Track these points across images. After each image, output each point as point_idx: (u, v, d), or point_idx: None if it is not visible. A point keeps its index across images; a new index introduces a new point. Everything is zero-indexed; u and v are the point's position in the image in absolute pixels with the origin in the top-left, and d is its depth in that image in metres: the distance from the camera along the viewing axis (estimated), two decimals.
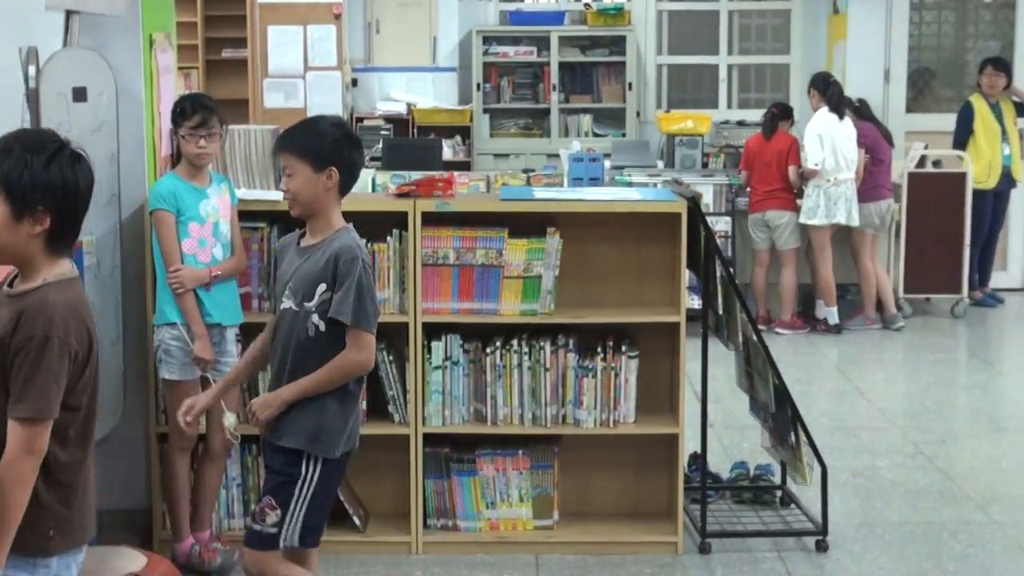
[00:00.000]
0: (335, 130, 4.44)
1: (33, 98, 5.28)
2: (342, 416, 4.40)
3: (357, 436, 4.53)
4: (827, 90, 10.45)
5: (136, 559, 4.62)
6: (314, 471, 4.36)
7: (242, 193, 5.97)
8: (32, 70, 5.26)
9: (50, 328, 3.23)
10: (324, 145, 4.38)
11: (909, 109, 12.58)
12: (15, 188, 3.24)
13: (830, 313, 10.45)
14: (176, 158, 5.82)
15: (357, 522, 5.90)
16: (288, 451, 4.38)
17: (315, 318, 4.33)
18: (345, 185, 4.43)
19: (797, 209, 10.38)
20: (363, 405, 4.67)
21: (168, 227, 5.52)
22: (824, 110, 10.37)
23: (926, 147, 11.16)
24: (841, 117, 10.34)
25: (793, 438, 5.98)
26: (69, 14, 5.47)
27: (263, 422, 4.39)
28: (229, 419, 5.38)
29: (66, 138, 3.41)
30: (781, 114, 10.61)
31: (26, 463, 3.22)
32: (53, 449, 3.30)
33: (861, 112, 10.72)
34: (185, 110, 5.60)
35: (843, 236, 10.56)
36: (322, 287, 4.32)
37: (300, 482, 4.35)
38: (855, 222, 10.32)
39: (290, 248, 4.53)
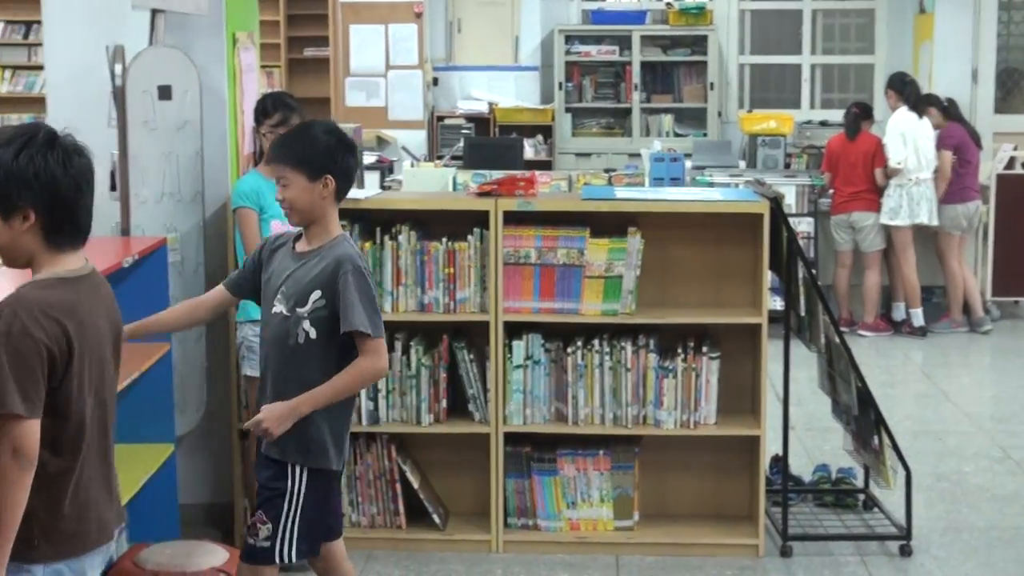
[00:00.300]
0: (328, 137, 4.34)
1: (119, 96, 5.34)
2: (329, 429, 4.30)
3: (346, 454, 4.48)
4: (904, 89, 10.37)
5: (218, 554, 4.63)
6: (300, 483, 4.28)
7: None
8: (118, 68, 5.31)
9: (11, 323, 3.10)
10: (317, 153, 4.29)
11: (997, 110, 12.42)
12: None
13: (915, 315, 10.33)
14: (258, 156, 5.86)
15: (437, 520, 5.90)
16: (274, 464, 4.31)
17: (306, 324, 4.24)
18: (341, 191, 4.35)
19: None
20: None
21: (251, 224, 5.55)
22: (903, 109, 10.27)
23: (1015, 148, 11.00)
24: (920, 116, 10.24)
25: (876, 441, 5.92)
26: (155, 13, 5.52)
27: (275, 437, 4.23)
28: None
29: (63, 131, 3.30)
30: (863, 114, 10.50)
31: (3, 460, 3.09)
32: (43, 460, 3.17)
33: (949, 112, 10.59)
34: (267, 108, 5.63)
35: (927, 238, 10.44)
36: (316, 294, 4.23)
37: (288, 496, 4.28)
38: (935, 222, 10.21)
39: (283, 250, 4.41)
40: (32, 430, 3.12)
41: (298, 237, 4.41)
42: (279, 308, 4.28)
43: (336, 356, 4.24)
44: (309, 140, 4.33)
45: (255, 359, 5.56)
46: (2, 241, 3.26)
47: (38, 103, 13.04)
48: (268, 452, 4.34)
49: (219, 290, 4.57)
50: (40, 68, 13.55)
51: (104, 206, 5.54)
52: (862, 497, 6.42)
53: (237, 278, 4.54)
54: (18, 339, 3.10)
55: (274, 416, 4.21)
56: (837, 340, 5.92)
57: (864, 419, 5.99)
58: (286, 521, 4.28)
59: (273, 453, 4.32)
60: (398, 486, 5.88)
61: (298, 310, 4.23)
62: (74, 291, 3.25)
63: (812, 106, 13.90)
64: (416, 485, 5.87)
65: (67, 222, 3.26)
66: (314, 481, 4.31)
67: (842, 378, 6.03)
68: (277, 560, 4.32)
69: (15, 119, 14.36)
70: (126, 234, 5.40)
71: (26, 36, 14.86)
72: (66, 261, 3.28)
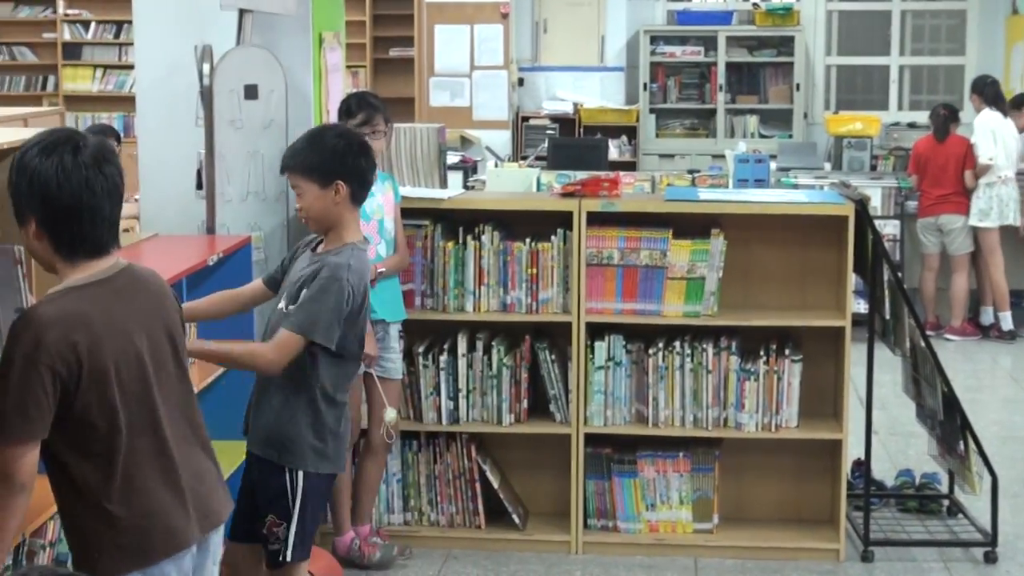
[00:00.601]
0: (337, 141, 4.33)
1: (206, 95, 5.40)
2: (313, 432, 4.28)
3: (344, 460, 4.47)
4: (985, 91, 10.30)
5: None
6: (296, 483, 4.28)
7: (407, 191, 6.02)
8: (206, 68, 5.37)
9: (14, 346, 3.04)
10: (326, 160, 4.28)
11: None
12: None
13: (1004, 319, 10.20)
14: None
15: (516, 520, 5.91)
16: (265, 463, 4.32)
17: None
18: (356, 195, 4.33)
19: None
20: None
21: None
22: (988, 109, 10.18)
23: None
24: (1005, 115, 10.17)
25: (962, 446, 5.85)
26: (243, 13, 5.57)
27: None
28: (390, 414, 5.44)
29: (83, 135, 3.19)
30: (951, 115, 10.40)
31: None
32: (81, 470, 3.14)
33: None
34: (351, 108, 5.66)
35: (1015, 240, 10.29)
36: (304, 292, 4.24)
37: (291, 495, 4.28)
38: (1018, 222, 10.10)
39: (306, 252, 4.45)
40: (24, 452, 3.05)
41: (321, 240, 4.44)
42: (280, 304, 4.33)
43: (303, 357, 4.20)
44: (318, 147, 4.33)
45: None
46: (27, 249, 3.27)
47: (128, 102, 13.21)
48: (253, 448, 4.38)
49: (257, 283, 4.64)
50: (130, 67, 13.73)
51: (190, 205, 5.64)
52: (946, 503, 6.36)
53: (273, 273, 4.60)
54: (20, 364, 3.03)
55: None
56: (923, 344, 5.86)
57: (949, 424, 5.93)
58: (296, 520, 4.29)
59: (256, 449, 4.35)
60: (478, 486, 5.90)
61: (290, 307, 4.26)
62: (89, 299, 3.15)
63: (900, 108, 13.76)
64: (496, 485, 5.88)
65: (69, 231, 3.14)
66: (309, 483, 4.31)
67: (927, 382, 5.97)
68: (291, 556, 4.32)
69: (105, 117, 14.58)
70: (211, 232, 5.46)
71: (117, 36, 15.08)
72: (84, 268, 3.18)
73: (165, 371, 3.32)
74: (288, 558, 4.32)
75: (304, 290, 4.22)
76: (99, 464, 3.17)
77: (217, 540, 3.48)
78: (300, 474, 4.29)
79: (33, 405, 3.03)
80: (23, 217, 3.14)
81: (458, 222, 5.86)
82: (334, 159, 4.29)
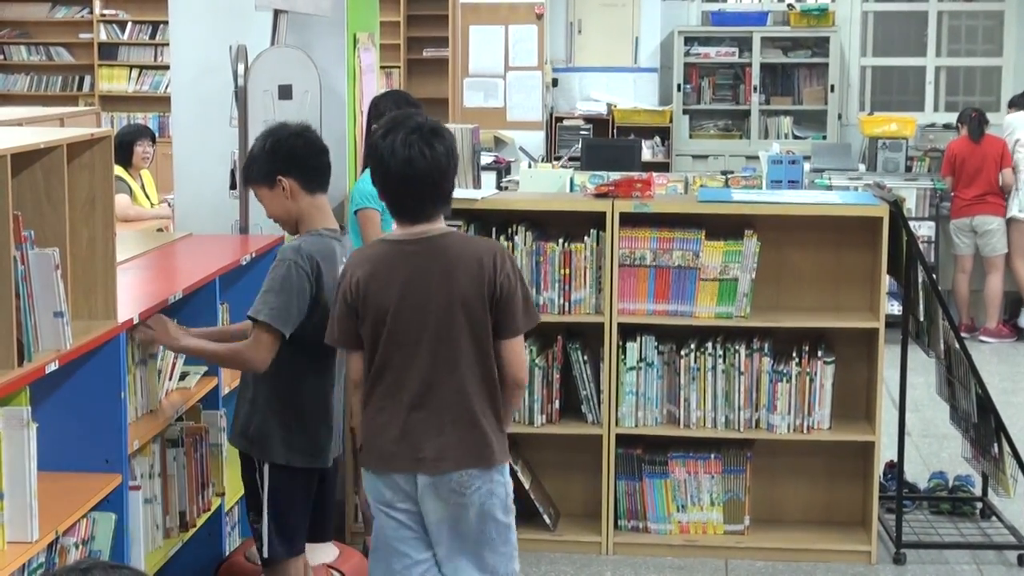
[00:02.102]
0: (261, 142, 4.31)
1: (241, 95, 5.43)
2: (280, 423, 4.23)
3: (326, 454, 4.35)
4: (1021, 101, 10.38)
5: (329, 551, 4.70)
6: (263, 476, 4.24)
7: None
8: (241, 68, 5.40)
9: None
10: (260, 163, 4.27)
11: None
12: None
13: None
14: None
15: (547, 520, 5.92)
16: (244, 458, 4.31)
17: None
18: (307, 182, 4.26)
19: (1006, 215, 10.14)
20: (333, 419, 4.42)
21: (375, 224, 5.60)
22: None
23: None
24: None
25: (996, 449, 5.83)
26: (277, 13, 5.59)
27: (140, 337, 4.17)
28: None
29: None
30: (981, 116, 10.37)
31: None
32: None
33: None
34: (380, 109, 5.67)
35: None
36: None
37: (260, 489, 4.25)
38: None
39: None
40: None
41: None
42: None
43: (283, 351, 4.15)
44: (251, 155, 4.35)
45: None
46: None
47: (163, 102, 13.28)
48: (231, 441, 4.38)
49: None
50: (166, 68, 13.79)
51: (223, 205, 5.66)
52: (980, 505, 6.33)
53: None
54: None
55: (160, 321, 4.20)
56: (957, 346, 5.84)
57: (984, 426, 5.90)
58: (267, 514, 4.24)
59: (233, 441, 4.36)
60: None
61: None
62: (383, 250, 3.98)
63: (936, 109, 13.70)
64: (527, 485, 5.89)
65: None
66: (279, 477, 4.24)
67: (961, 384, 5.95)
68: (272, 555, 4.27)
69: (140, 118, 14.64)
70: (244, 232, 5.48)
71: (153, 36, 15.14)
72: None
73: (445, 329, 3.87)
74: (265, 554, 4.26)
75: None
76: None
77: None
78: (267, 466, 4.23)
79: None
80: None
81: (491, 222, 5.87)
82: (266, 159, 4.26)
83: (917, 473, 6.68)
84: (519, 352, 3.97)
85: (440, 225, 3.93)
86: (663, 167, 12.67)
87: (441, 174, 3.84)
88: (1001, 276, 10.19)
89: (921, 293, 5.92)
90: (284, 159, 4.23)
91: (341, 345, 4.03)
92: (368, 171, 5.47)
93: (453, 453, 3.89)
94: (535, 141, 12.48)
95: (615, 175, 7.11)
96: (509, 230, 5.81)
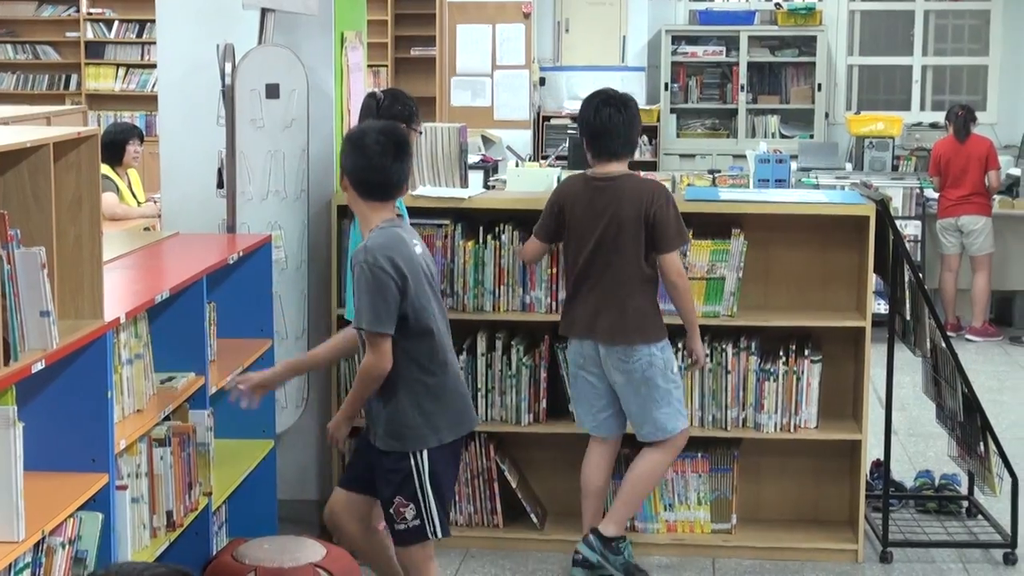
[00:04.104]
0: (343, 145, 4.59)
1: (228, 94, 5.41)
2: (419, 410, 4.44)
3: (468, 420, 4.60)
4: None
5: (316, 550, 4.69)
6: (421, 462, 4.44)
7: (427, 191, 6.04)
8: (228, 67, 5.39)
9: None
10: (342, 161, 4.56)
11: None
12: None
13: None
14: None
15: (534, 519, 5.92)
16: (389, 454, 4.48)
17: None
18: (362, 186, 4.48)
19: (992, 214, 10.15)
20: (465, 386, 4.75)
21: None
22: None
23: None
24: None
25: (982, 448, 5.84)
26: (264, 12, 5.59)
27: (340, 442, 4.73)
28: None
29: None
30: (969, 115, 10.36)
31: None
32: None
33: None
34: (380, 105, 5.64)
35: None
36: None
37: (416, 475, 4.44)
38: None
39: None
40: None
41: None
42: None
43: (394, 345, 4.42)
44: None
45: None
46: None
47: (150, 101, 13.26)
48: (376, 445, 4.50)
49: None
50: (153, 66, 13.77)
51: (211, 203, 5.65)
52: (966, 504, 6.35)
53: None
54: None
55: (333, 424, 4.67)
56: (943, 344, 5.85)
57: (970, 425, 5.92)
58: (424, 498, 4.44)
59: (380, 445, 4.48)
60: (496, 485, 5.91)
61: None
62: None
63: (922, 108, 13.73)
64: (514, 484, 5.89)
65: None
66: (434, 457, 4.46)
67: (947, 383, 5.96)
68: (431, 536, 4.49)
69: (127, 116, 14.61)
70: (232, 231, 5.47)
71: (140, 35, 15.11)
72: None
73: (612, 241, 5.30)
74: (437, 534, 4.50)
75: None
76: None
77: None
78: (424, 453, 4.44)
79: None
80: None
81: (478, 221, 5.86)
82: (343, 160, 4.55)
83: (903, 472, 6.70)
84: (674, 262, 5.28)
85: (622, 167, 5.41)
86: (651, 166, 12.68)
87: (627, 127, 5.43)
88: (988, 275, 10.22)
89: (907, 292, 5.92)
90: (346, 164, 4.51)
91: (542, 238, 5.47)
92: None
93: (619, 329, 5.28)
94: (522, 140, 12.47)
95: None
96: (496, 229, 5.81)
